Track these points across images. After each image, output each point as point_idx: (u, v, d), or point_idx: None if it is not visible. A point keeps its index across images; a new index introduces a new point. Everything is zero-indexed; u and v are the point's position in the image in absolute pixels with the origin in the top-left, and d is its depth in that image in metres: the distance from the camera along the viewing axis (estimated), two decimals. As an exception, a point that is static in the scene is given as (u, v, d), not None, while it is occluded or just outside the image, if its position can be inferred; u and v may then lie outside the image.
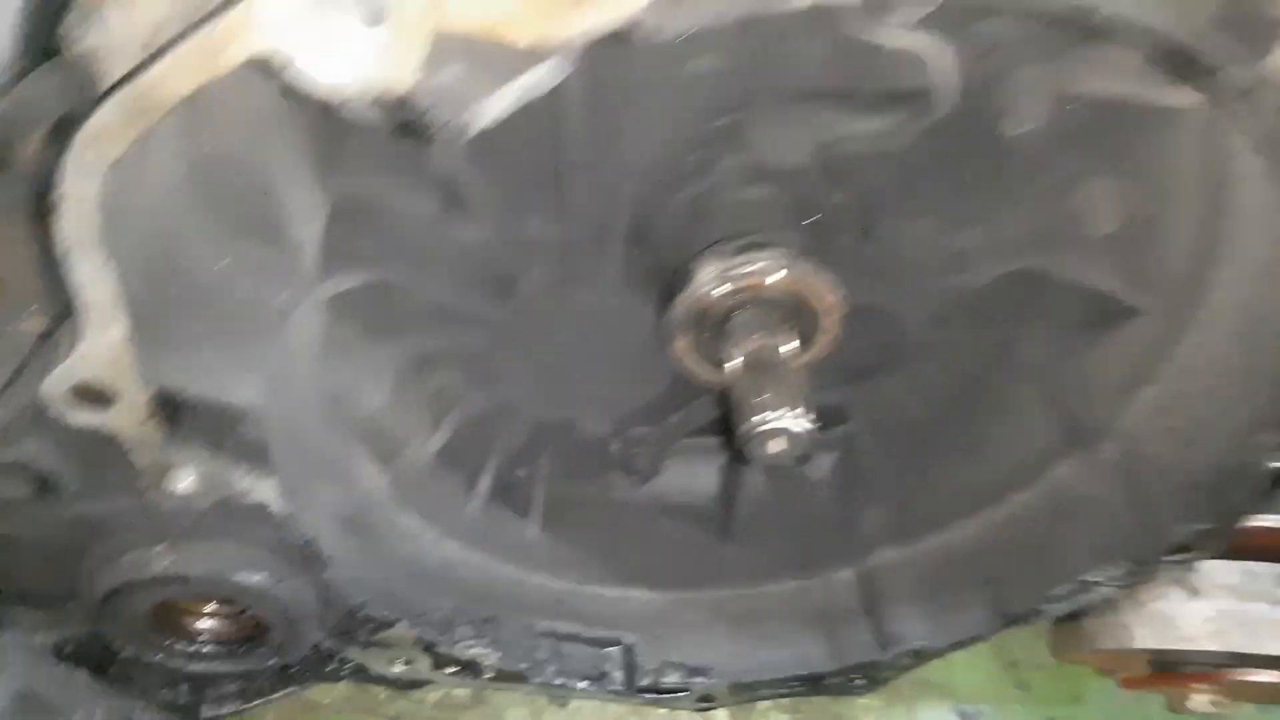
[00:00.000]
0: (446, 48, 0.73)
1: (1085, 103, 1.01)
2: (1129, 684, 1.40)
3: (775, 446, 0.97)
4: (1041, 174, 1.10)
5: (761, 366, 1.01)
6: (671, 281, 1.09)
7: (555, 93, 0.90)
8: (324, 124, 0.98)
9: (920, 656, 1.31)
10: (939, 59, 0.96)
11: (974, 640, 1.29)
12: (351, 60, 0.72)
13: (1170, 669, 1.32)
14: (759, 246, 1.04)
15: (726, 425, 1.43)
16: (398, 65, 0.74)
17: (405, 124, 0.76)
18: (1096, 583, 1.20)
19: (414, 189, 1.08)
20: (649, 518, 1.45)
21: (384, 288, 1.14)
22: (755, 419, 0.95)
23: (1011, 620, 1.26)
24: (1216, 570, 1.30)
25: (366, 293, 1.13)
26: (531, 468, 1.41)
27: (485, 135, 0.78)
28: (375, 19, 0.72)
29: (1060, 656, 1.43)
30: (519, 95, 0.70)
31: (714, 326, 1.08)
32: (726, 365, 1.03)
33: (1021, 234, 1.16)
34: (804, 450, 0.98)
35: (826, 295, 1.05)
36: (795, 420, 0.95)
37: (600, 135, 1.03)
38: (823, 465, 1.40)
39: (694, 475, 1.48)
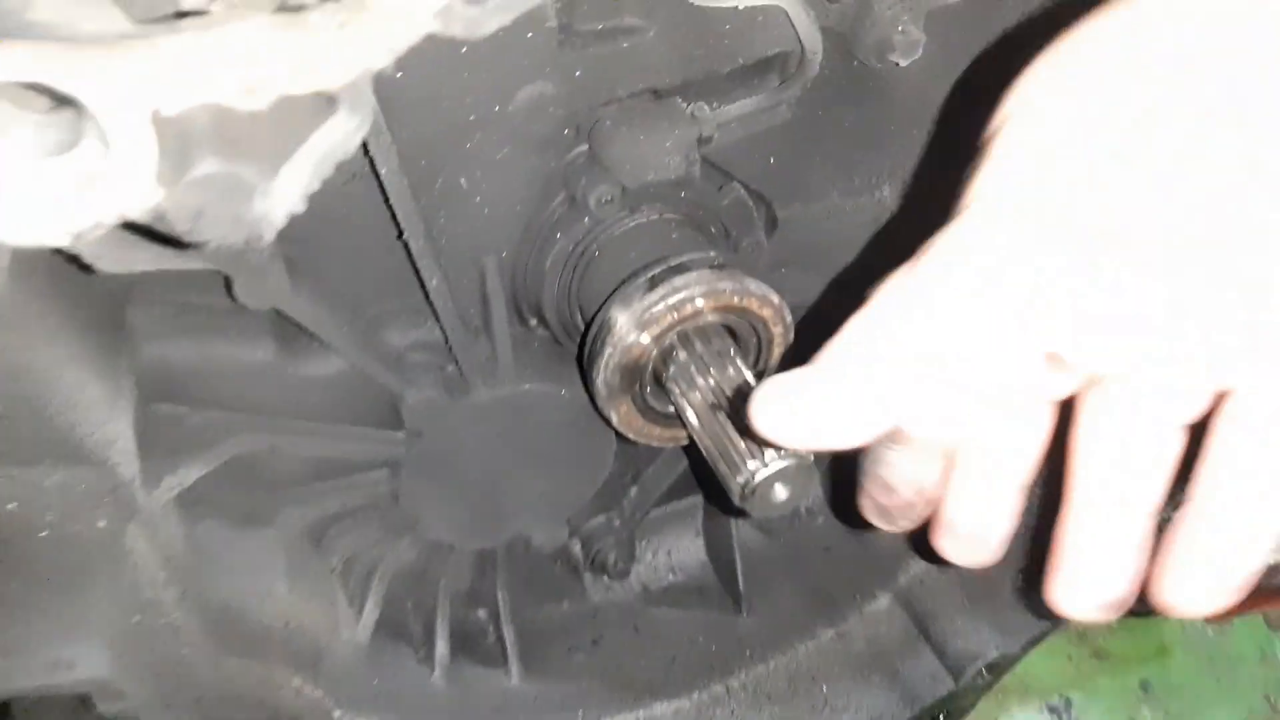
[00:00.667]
0: (187, 142, 0.51)
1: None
2: (1218, 618, 1.23)
3: (782, 492, 0.76)
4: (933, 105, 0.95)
5: (724, 407, 0.80)
6: (584, 346, 0.88)
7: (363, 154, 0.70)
8: (95, 297, 0.75)
9: (998, 669, 1.12)
10: (797, 7, 0.80)
11: (1053, 630, 1.10)
12: (54, 199, 0.50)
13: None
14: (672, 273, 0.84)
15: (700, 481, 1.24)
16: (127, 185, 0.51)
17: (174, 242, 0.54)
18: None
19: (233, 335, 0.85)
20: (641, 615, 1.22)
21: (242, 462, 0.90)
22: (747, 469, 0.74)
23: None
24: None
25: (220, 476, 0.89)
26: (490, 605, 1.17)
27: (292, 237, 0.56)
28: (64, 147, 0.50)
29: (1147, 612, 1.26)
30: (316, 163, 0.49)
31: (652, 379, 0.87)
32: (686, 416, 0.82)
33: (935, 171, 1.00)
34: (813, 483, 0.78)
35: (764, 303, 0.86)
36: (789, 454, 0.75)
37: (437, 199, 0.82)
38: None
39: (675, 548, 1.27)
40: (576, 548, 1.22)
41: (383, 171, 0.76)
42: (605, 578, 1.23)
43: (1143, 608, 0.53)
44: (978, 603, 1.13)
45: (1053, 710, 1.35)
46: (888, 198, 1.03)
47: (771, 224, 1.01)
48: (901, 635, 1.16)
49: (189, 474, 0.83)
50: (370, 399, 0.93)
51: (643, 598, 1.23)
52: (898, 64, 0.88)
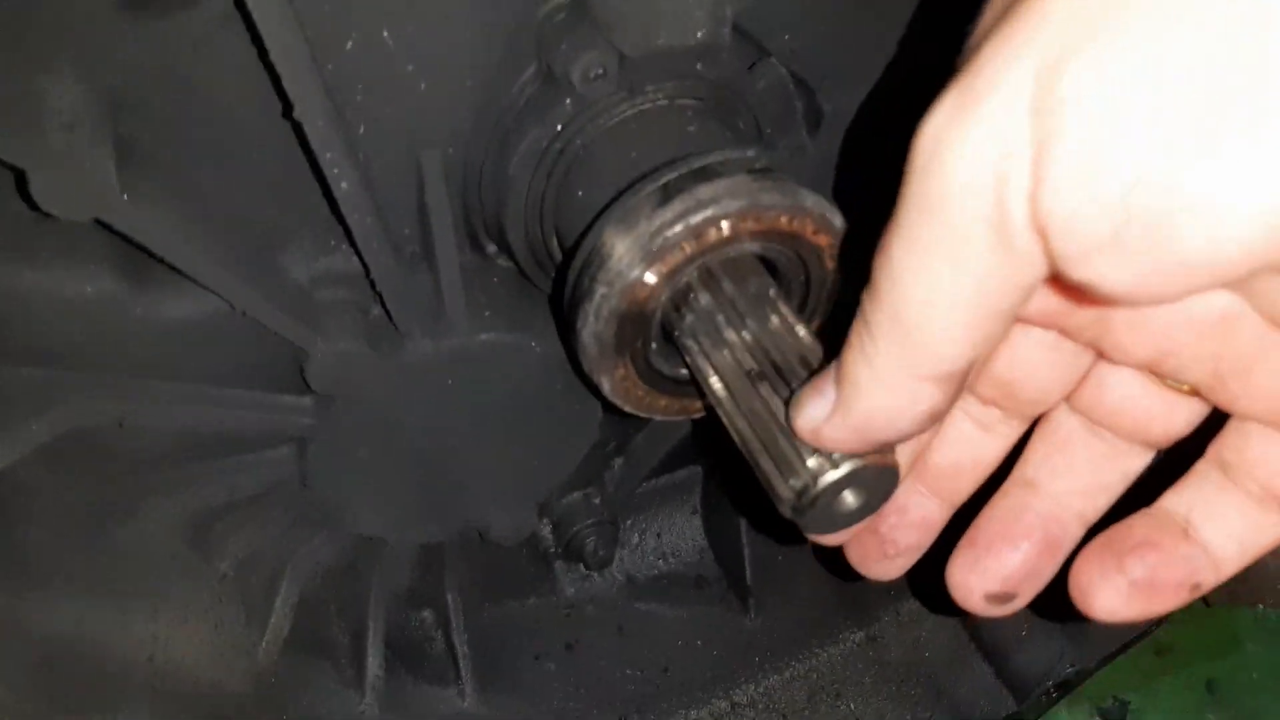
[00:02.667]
0: None
1: None
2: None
3: (853, 501, 0.52)
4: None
5: (770, 372, 0.55)
6: (562, 284, 0.62)
7: None
8: None
9: (1068, 686, 0.91)
10: None
11: (1136, 641, 0.89)
12: None
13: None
14: (693, 180, 0.58)
15: (703, 451, 1.00)
16: None
17: None
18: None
19: (53, 259, 0.58)
20: (626, 612, 0.99)
21: (80, 439, 0.64)
22: (805, 471, 0.49)
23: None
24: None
25: (47, 459, 0.63)
26: (436, 607, 0.93)
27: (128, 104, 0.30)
28: None
29: (1218, 601, 1.05)
30: None
31: (660, 333, 0.62)
32: (711, 387, 0.57)
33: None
34: (895, 488, 0.54)
35: (823, 227, 0.60)
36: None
37: (349, 64, 0.56)
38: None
39: (667, 529, 1.03)
40: (547, 530, 0.98)
41: (256, 14, 0.49)
42: (582, 567, 1.00)
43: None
44: (1047, 606, 0.90)
45: (1106, 715, 1.15)
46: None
47: (816, 120, 0.75)
48: (948, 643, 0.94)
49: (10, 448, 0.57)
50: (262, 351, 0.67)
51: (628, 591, 1.01)
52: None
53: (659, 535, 1.04)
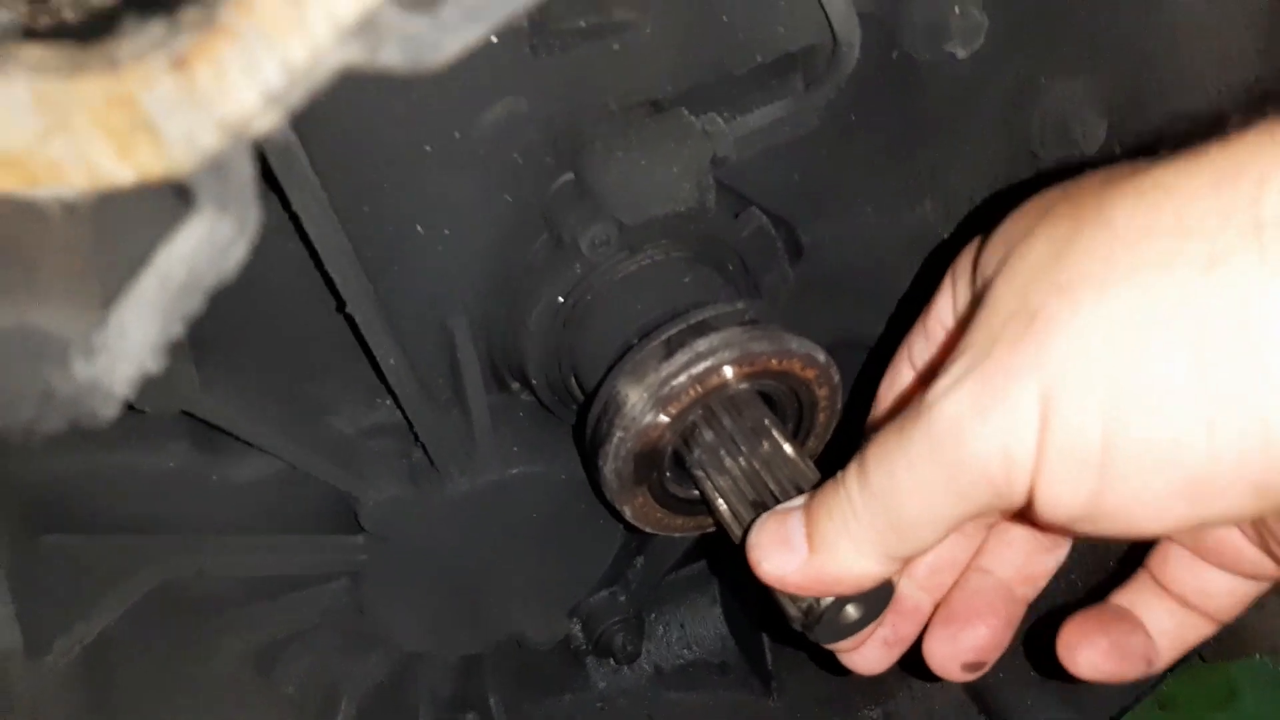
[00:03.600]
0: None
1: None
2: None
3: (854, 614, 0.60)
4: (991, 101, 0.78)
5: (766, 499, 0.63)
6: (583, 424, 0.71)
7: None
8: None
9: (1073, 747, 0.97)
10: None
11: (1137, 701, 0.95)
12: None
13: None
14: (692, 335, 0.67)
15: (707, 548, 1.07)
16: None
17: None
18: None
19: (134, 440, 0.67)
20: (656, 701, 1.06)
21: (163, 593, 0.72)
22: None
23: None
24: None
25: (136, 614, 0.70)
26: (480, 708, 1.00)
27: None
28: None
29: (1214, 658, 1.11)
30: (171, 295, 0.30)
31: (672, 463, 0.70)
32: (719, 511, 0.65)
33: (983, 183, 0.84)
34: (891, 598, 0.61)
35: (809, 363, 0.69)
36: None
37: (386, 253, 0.65)
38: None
39: (689, 620, 1.10)
40: (577, 629, 1.05)
41: (312, 231, 0.58)
42: (612, 661, 1.06)
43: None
44: (1050, 673, 0.97)
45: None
46: (929, 213, 0.87)
47: (795, 251, 0.84)
48: (960, 713, 1.00)
49: (92, 624, 0.65)
50: (320, 500, 0.75)
51: (656, 681, 1.07)
52: (955, 55, 0.72)
53: (683, 626, 1.10)
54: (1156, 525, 0.42)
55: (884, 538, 0.49)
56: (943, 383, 0.45)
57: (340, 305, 0.63)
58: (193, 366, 0.61)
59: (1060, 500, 0.43)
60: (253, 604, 0.78)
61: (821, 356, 0.69)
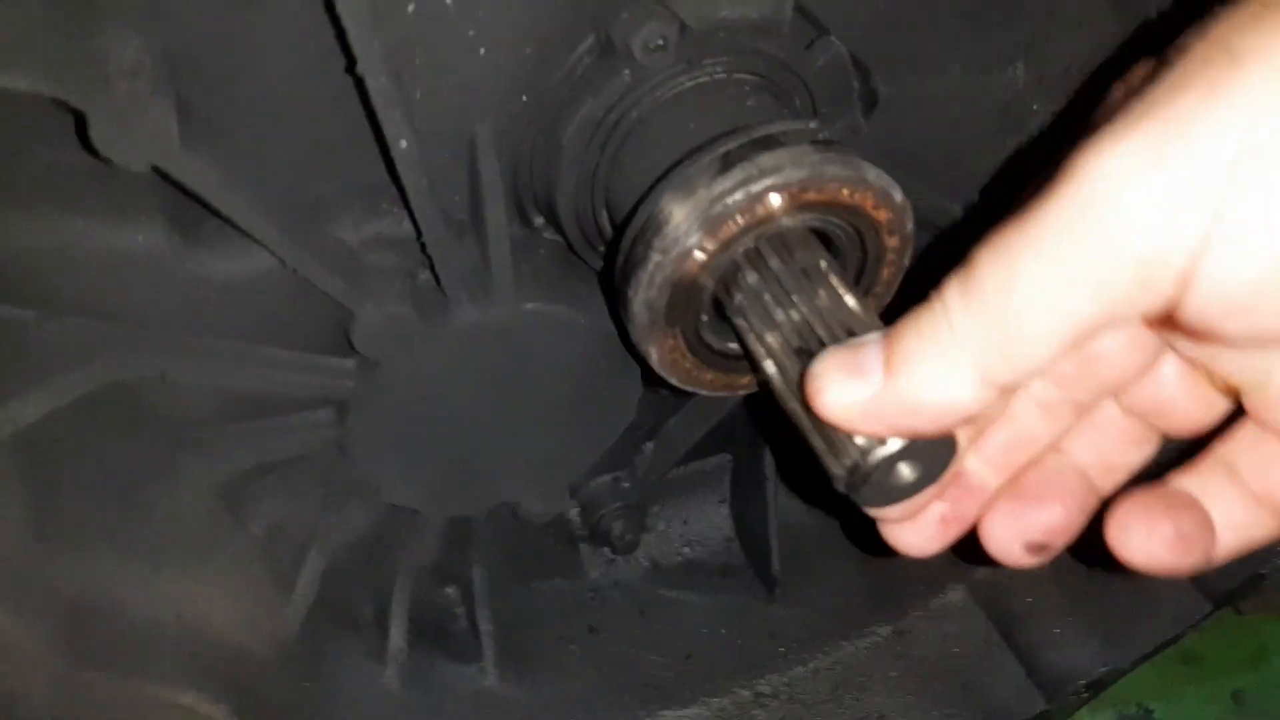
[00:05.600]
0: None
1: None
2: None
3: (909, 474, 0.51)
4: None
5: (820, 350, 0.54)
6: (614, 256, 0.62)
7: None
8: None
9: (1100, 686, 0.90)
10: None
11: (1172, 642, 0.88)
12: None
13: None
14: (755, 149, 0.58)
15: (734, 443, 0.99)
16: None
17: None
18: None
19: (104, 209, 0.58)
20: (650, 598, 0.99)
21: (119, 393, 0.63)
22: (856, 446, 0.49)
23: (1226, 598, 0.85)
24: None
25: (85, 411, 0.62)
26: (461, 584, 0.92)
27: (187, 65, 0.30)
28: None
29: (1249, 612, 1.04)
30: None
31: (712, 305, 0.61)
32: (763, 365, 0.56)
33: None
34: (954, 457, 0.53)
35: (883, 201, 0.59)
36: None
37: (410, 26, 0.56)
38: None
39: (694, 517, 1.03)
40: (575, 513, 0.98)
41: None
42: (608, 551, 0.99)
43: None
44: (1081, 604, 0.90)
45: (1129, 722, 1.14)
46: (1021, 80, 0.77)
47: (871, 101, 0.74)
48: (979, 640, 0.93)
49: (31, 406, 0.56)
50: (308, 312, 0.66)
51: (652, 577, 1.00)
52: None
53: (685, 523, 1.03)
54: None
55: (987, 352, 0.40)
56: (1102, 139, 0.36)
57: (350, 64, 0.54)
58: (173, 115, 0.52)
59: (1226, 285, 0.35)
60: (221, 424, 0.69)
61: (899, 196, 0.60)
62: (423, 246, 0.65)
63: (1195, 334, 0.40)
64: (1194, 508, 0.51)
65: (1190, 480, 0.52)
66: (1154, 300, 0.38)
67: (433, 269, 0.67)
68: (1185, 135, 0.35)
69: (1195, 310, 0.37)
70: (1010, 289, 0.39)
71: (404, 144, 0.57)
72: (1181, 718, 1.14)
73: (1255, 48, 0.34)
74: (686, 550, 1.02)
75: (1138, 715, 1.14)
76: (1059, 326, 0.38)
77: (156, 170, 0.53)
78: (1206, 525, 0.51)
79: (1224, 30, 0.36)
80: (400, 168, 0.59)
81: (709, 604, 0.99)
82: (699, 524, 1.03)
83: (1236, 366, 0.48)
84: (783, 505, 0.99)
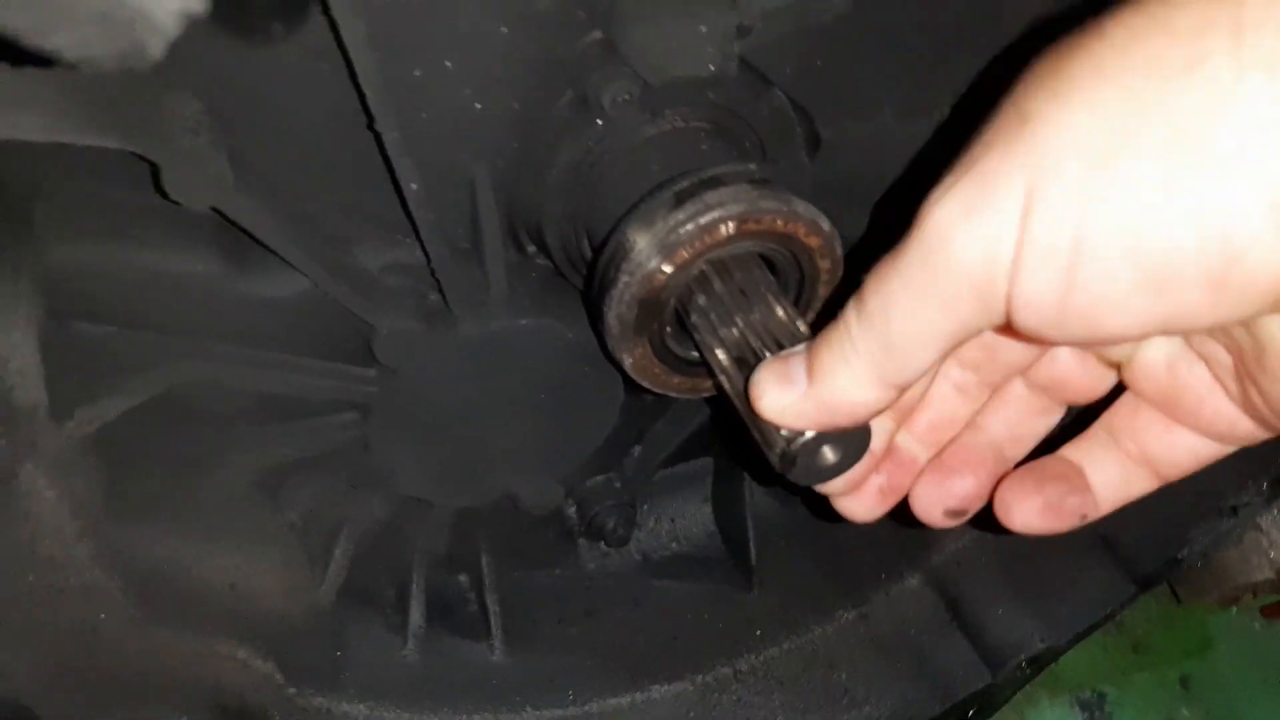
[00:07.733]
0: None
1: None
2: (1272, 613, 1.11)
3: (831, 456, 0.63)
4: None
5: (760, 355, 0.66)
6: (592, 278, 0.74)
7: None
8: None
9: (1040, 662, 1.00)
10: None
11: (1103, 622, 0.97)
12: None
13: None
14: (703, 188, 0.70)
15: (723, 439, 1.10)
16: None
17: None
18: (1244, 504, 0.90)
19: (169, 240, 0.70)
20: (641, 586, 1.09)
21: (179, 396, 0.76)
22: (780, 435, 0.60)
23: (1148, 581, 0.95)
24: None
25: (151, 411, 0.74)
26: (471, 571, 1.04)
27: (237, 125, 0.41)
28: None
29: (1189, 602, 1.13)
30: None
31: (674, 318, 0.73)
32: (714, 364, 0.68)
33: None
34: (867, 443, 0.64)
35: (813, 230, 0.71)
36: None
37: (416, 86, 0.68)
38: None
39: (680, 515, 1.14)
40: (571, 510, 1.09)
41: (348, 38, 0.61)
42: (602, 544, 1.10)
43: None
44: (1021, 588, 1.00)
45: (1085, 706, 1.23)
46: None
47: (814, 143, 0.86)
48: (932, 620, 1.03)
49: (111, 406, 0.69)
50: (337, 328, 0.78)
51: (643, 568, 1.11)
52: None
53: (673, 520, 1.14)
54: (1121, 324, 0.43)
55: (878, 361, 0.50)
56: (935, 193, 0.47)
57: (370, 122, 0.66)
58: (228, 164, 0.64)
59: (1033, 301, 0.44)
60: (263, 424, 0.82)
61: (826, 225, 0.71)
62: (432, 271, 0.78)
63: (1034, 341, 0.51)
64: (1066, 477, 0.61)
65: (1076, 449, 0.62)
66: (993, 318, 0.47)
67: (440, 290, 0.79)
68: (987, 189, 0.44)
69: (1023, 324, 0.46)
70: (888, 312, 0.49)
71: (414, 186, 0.70)
72: (1133, 702, 1.23)
73: (1037, 111, 0.44)
74: (674, 545, 1.13)
75: (1092, 700, 1.23)
76: (928, 339, 0.48)
77: (215, 210, 0.66)
78: (1079, 490, 0.61)
79: (1020, 93, 0.45)
80: (412, 206, 0.71)
81: (694, 592, 1.09)
82: (685, 522, 1.13)
83: (1108, 347, 0.58)
84: (758, 504, 1.10)
